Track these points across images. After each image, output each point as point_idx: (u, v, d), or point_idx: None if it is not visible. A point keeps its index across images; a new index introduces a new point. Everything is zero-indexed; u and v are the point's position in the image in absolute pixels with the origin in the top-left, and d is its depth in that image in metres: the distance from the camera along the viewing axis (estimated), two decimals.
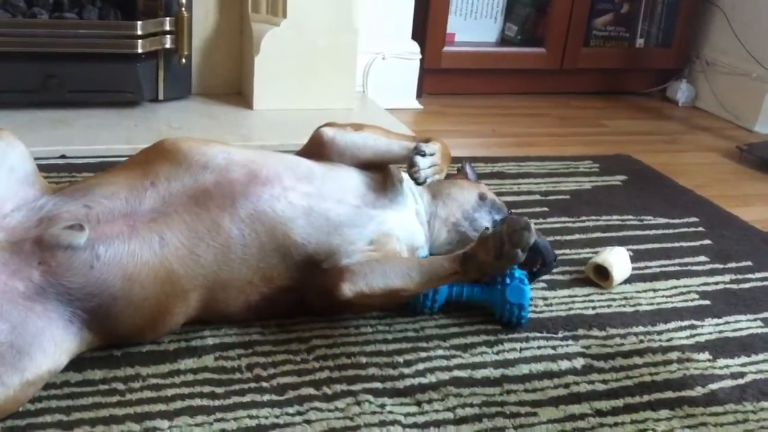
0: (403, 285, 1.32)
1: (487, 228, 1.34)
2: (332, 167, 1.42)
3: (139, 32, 2.27)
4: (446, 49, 2.97)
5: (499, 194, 2.06)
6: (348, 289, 1.31)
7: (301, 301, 1.38)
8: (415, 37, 2.84)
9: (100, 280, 1.16)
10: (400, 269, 1.32)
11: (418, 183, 1.37)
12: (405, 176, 1.49)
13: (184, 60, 2.38)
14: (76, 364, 1.22)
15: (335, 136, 1.44)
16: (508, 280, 1.43)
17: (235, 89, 2.59)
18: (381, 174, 1.46)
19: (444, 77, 3.02)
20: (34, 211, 1.20)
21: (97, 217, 1.19)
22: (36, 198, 1.22)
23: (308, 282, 1.35)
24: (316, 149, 1.44)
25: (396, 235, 1.42)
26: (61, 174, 1.95)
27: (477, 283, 1.45)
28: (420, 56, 2.85)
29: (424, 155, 1.37)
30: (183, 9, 2.32)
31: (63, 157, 2.05)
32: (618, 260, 1.64)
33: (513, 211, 1.74)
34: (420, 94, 2.94)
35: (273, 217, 1.29)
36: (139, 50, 2.28)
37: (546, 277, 1.63)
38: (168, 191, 1.25)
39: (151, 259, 1.19)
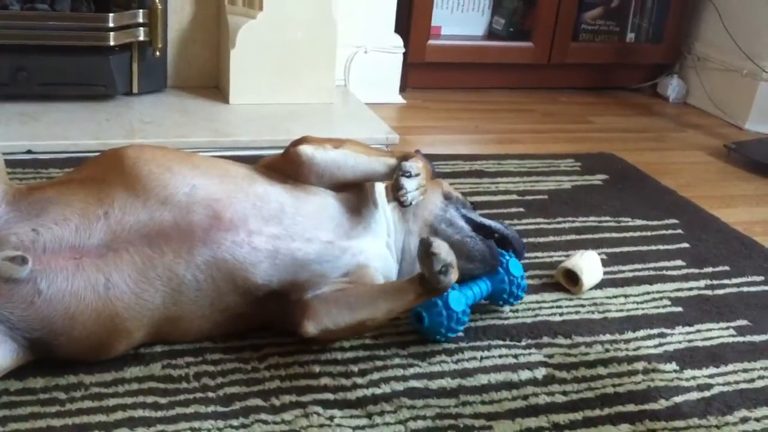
0: (369, 316, 1.26)
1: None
2: (306, 198, 1.32)
3: (112, 24, 2.22)
4: (431, 42, 2.92)
5: (475, 194, 2.03)
6: (312, 328, 1.25)
7: (261, 323, 1.34)
8: (398, 30, 2.78)
9: (41, 316, 1.13)
10: (367, 300, 1.26)
11: (403, 205, 1.30)
12: (379, 199, 1.41)
13: (158, 53, 2.33)
14: (17, 371, 1.19)
15: (314, 155, 1.32)
16: (507, 257, 1.45)
17: (212, 82, 2.54)
18: (356, 196, 1.37)
19: (429, 71, 2.97)
20: None
21: (43, 245, 1.13)
22: None
23: (272, 310, 1.29)
24: (293, 169, 1.33)
25: (373, 265, 1.35)
26: (26, 170, 1.91)
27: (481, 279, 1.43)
28: (403, 50, 2.80)
29: (410, 176, 1.28)
30: (157, 1, 2.27)
31: (29, 152, 2.00)
32: (589, 265, 1.60)
33: (483, 212, 1.70)
34: (404, 89, 2.89)
35: (233, 263, 1.22)
36: (112, 43, 2.23)
37: None
38: (121, 225, 1.17)
39: (95, 301, 1.14)
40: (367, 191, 1.39)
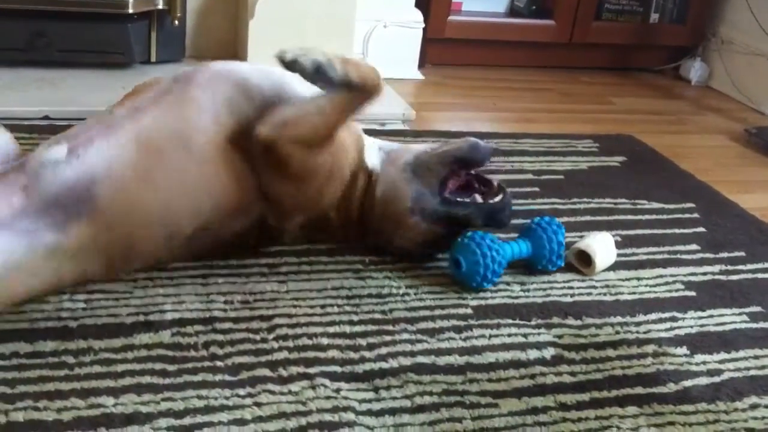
0: (315, 109, 1.39)
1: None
2: None
3: None
4: (451, 18, 2.89)
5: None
6: (263, 129, 1.36)
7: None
8: (418, 5, 2.76)
9: (80, 171, 1.27)
10: (308, 99, 1.42)
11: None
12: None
13: (176, 22, 2.33)
14: (27, 335, 1.20)
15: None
16: (553, 227, 1.52)
17: (231, 53, 2.53)
18: None
19: (448, 47, 2.94)
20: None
21: (75, 134, 1.33)
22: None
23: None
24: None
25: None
26: (43, 135, 1.91)
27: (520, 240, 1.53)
28: (423, 25, 2.77)
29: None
30: None
31: (46, 117, 2.01)
32: (602, 246, 1.58)
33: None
34: (423, 64, 2.86)
35: (228, 73, 1.44)
36: (131, 10, 2.23)
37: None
38: (136, 104, 1.39)
39: (126, 137, 1.32)
40: None
